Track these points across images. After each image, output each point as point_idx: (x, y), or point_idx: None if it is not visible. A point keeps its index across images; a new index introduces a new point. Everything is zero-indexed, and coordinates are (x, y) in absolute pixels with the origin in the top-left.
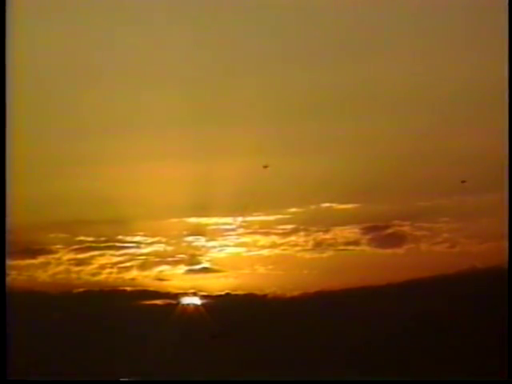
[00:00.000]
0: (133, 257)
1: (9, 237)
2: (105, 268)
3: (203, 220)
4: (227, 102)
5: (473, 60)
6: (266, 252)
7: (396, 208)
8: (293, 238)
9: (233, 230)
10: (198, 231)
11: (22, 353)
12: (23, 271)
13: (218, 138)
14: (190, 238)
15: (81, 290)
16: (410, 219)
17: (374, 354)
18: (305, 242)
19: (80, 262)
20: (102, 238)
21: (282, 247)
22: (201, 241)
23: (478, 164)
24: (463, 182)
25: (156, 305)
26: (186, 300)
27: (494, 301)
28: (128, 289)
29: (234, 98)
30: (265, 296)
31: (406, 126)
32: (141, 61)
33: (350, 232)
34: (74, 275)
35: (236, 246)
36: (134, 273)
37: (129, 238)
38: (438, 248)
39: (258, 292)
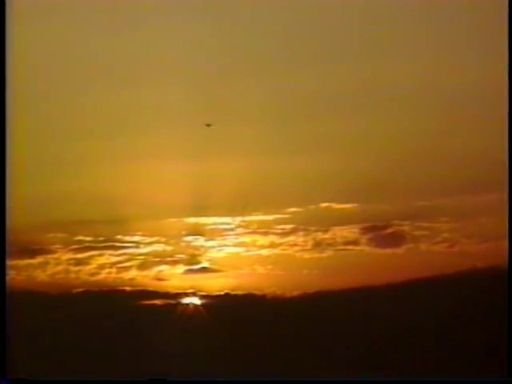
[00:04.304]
0: (132, 257)
1: (8, 236)
2: (104, 268)
3: (202, 220)
4: (226, 102)
5: (473, 60)
6: (265, 252)
7: (395, 208)
8: (292, 238)
9: (232, 229)
10: (197, 231)
11: (22, 352)
12: (22, 271)
13: (217, 138)
14: (188, 238)
15: (80, 289)
16: (410, 219)
17: (374, 353)
18: (304, 241)
19: (79, 262)
20: (101, 238)
21: (281, 247)
22: (200, 240)
23: (478, 164)
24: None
25: (155, 304)
26: (185, 300)
27: (494, 301)
28: (127, 288)
29: (232, 97)
30: (264, 296)
31: (406, 126)
32: (141, 60)
33: (350, 232)
34: (72, 275)
35: (235, 245)
36: (133, 272)
37: (128, 238)
38: (438, 248)
39: (257, 292)
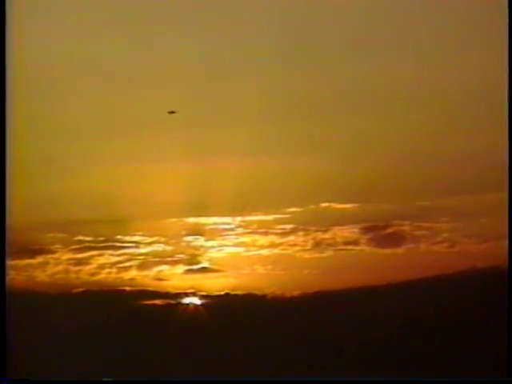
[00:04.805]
0: (132, 257)
1: (8, 236)
2: (104, 268)
3: (202, 220)
4: (226, 102)
5: (473, 60)
6: (265, 252)
7: (396, 208)
8: (292, 238)
9: (232, 229)
10: (197, 231)
11: (22, 352)
12: (22, 271)
13: (217, 138)
14: (188, 238)
15: (80, 289)
16: (410, 219)
17: (374, 353)
18: (304, 241)
19: (79, 262)
20: (101, 238)
21: (281, 247)
22: (200, 240)
23: (478, 164)
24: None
25: (155, 304)
26: (185, 300)
27: (494, 301)
28: (127, 288)
29: (232, 97)
30: (264, 296)
31: (406, 126)
32: (141, 60)
33: (350, 232)
34: (72, 275)
35: (235, 245)
36: (132, 273)
37: (128, 238)
38: (438, 248)
39: (257, 292)
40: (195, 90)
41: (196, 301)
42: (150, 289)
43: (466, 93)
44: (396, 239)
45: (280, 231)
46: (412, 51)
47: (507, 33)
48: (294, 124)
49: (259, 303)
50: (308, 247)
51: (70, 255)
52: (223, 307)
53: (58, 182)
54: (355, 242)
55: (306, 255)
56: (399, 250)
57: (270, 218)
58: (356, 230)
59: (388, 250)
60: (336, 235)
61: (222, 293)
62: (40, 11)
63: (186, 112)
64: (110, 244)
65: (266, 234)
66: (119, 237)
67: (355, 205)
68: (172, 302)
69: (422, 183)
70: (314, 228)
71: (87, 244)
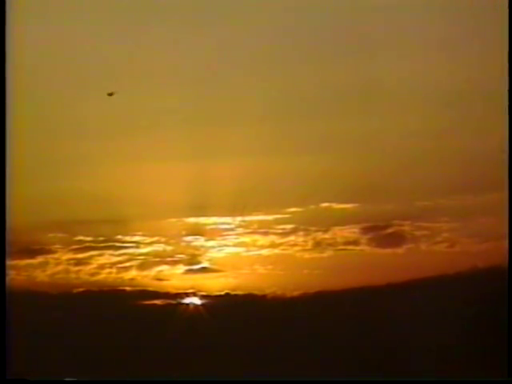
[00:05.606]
0: (132, 257)
1: (8, 236)
2: (104, 268)
3: (202, 220)
4: (226, 101)
5: (472, 60)
6: (265, 252)
7: (396, 208)
8: (292, 238)
9: (232, 229)
10: (197, 231)
11: (22, 352)
12: (22, 271)
13: (217, 138)
14: (188, 238)
15: (80, 289)
16: (410, 219)
17: (374, 353)
18: (304, 241)
19: (79, 262)
20: (101, 238)
21: (282, 247)
22: (200, 240)
23: (478, 164)
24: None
25: (155, 305)
26: (185, 300)
27: (494, 301)
28: (127, 289)
29: (232, 97)
30: (264, 296)
31: (406, 126)
32: (141, 61)
33: (350, 232)
34: (72, 275)
35: (235, 245)
36: (133, 273)
37: (128, 238)
38: (438, 248)
39: (257, 292)
40: (195, 89)
41: (196, 301)
42: (150, 289)
43: (466, 93)
44: (396, 239)
45: (280, 231)
46: (412, 51)
47: (507, 33)
48: (294, 124)
49: (259, 303)
50: (308, 247)
51: (70, 255)
52: (223, 307)
53: (58, 182)
54: (355, 242)
55: (307, 255)
56: (399, 250)
57: (270, 218)
58: (356, 230)
59: (388, 250)
60: (336, 235)
61: (222, 293)
62: (40, 11)
63: (186, 112)
64: (110, 244)
65: (266, 234)
66: (119, 237)
67: (355, 205)
68: (172, 302)
69: (422, 183)
70: (314, 228)
71: (87, 244)
